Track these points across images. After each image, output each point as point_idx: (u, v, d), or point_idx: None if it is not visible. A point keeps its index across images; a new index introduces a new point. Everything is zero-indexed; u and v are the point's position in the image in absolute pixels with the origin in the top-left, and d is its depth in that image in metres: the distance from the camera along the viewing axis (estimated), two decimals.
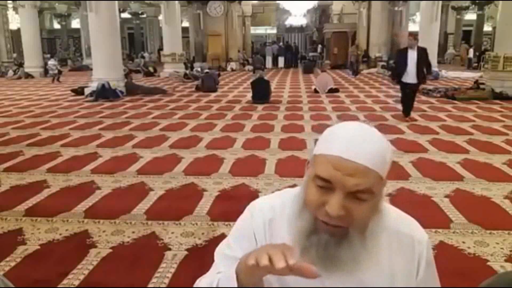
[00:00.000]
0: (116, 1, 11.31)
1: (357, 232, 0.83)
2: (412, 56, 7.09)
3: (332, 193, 0.80)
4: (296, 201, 0.90)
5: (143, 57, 25.47)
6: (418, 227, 0.97)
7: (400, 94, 7.94)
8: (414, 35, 7.50)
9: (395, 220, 0.95)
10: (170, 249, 2.75)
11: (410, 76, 7.21)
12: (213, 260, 1.02)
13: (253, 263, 0.75)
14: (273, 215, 0.96)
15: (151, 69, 19.37)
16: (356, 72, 17.23)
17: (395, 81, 7.97)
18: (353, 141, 0.81)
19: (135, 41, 32.60)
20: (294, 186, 1.01)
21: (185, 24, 24.17)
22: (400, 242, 0.92)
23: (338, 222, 0.81)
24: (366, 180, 0.79)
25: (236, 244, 0.99)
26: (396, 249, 0.91)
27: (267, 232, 0.96)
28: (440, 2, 15.28)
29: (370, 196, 0.81)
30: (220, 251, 1.02)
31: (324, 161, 0.82)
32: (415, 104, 9.14)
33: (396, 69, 7.67)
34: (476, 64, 20.89)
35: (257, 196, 3.87)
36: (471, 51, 22.89)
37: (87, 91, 10.89)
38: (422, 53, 7.14)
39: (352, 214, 0.81)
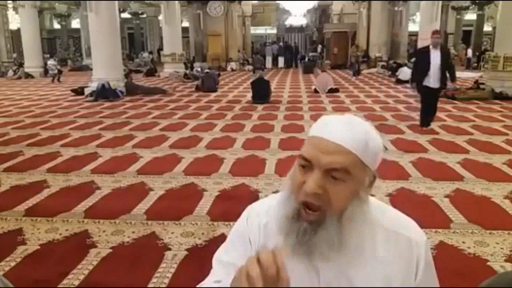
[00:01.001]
0: (116, 1, 11.32)
1: (334, 217, 0.85)
2: (435, 56, 6.28)
3: (311, 172, 0.84)
4: (283, 190, 0.92)
5: (151, 52, 25.54)
6: (417, 228, 0.97)
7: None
8: (438, 32, 6.73)
9: (393, 221, 0.95)
10: (170, 249, 2.75)
11: (433, 79, 6.32)
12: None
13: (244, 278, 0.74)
14: (268, 218, 0.97)
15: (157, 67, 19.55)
16: (357, 73, 17.00)
17: (415, 86, 6.88)
18: (337, 125, 0.86)
19: (135, 41, 32.59)
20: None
21: (185, 24, 24.17)
22: (398, 243, 0.92)
23: (316, 200, 0.83)
24: (341, 158, 0.82)
25: (232, 249, 1.00)
26: (392, 250, 0.91)
27: (261, 236, 0.96)
28: (440, 2, 15.25)
29: (346, 177, 0.83)
30: (217, 257, 1.03)
31: (308, 142, 0.87)
32: (415, 105, 9.17)
33: (416, 71, 6.61)
34: (476, 64, 20.90)
35: (257, 196, 3.89)
36: (470, 51, 22.90)
37: (87, 91, 10.89)
38: (445, 54, 6.46)
39: (329, 193, 0.83)
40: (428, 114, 6.58)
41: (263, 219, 0.98)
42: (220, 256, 1.02)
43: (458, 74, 16.95)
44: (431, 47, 6.33)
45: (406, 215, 0.99)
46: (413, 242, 0.93)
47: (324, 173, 0.82)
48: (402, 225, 0.95)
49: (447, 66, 6.37)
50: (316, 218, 0.85)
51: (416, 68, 6.73)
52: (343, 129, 0.84)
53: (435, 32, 6.54)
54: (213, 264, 1.03)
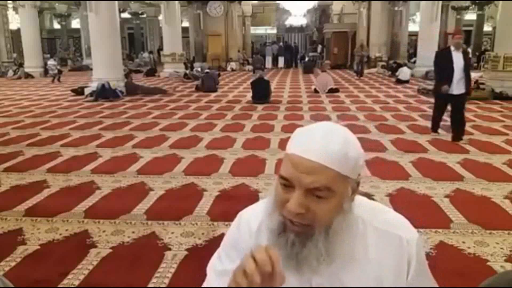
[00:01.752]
0: (116, 1, 11.31)
1: (321, 231, 0.85)
2: (458, 59, 5.55)
3: (292, 191, 0.83)
4: (268, 203, 0.92)
5: (151, 52, 25.54)
6: (408, 227, 0.96)
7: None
8: (461, 32, 6.06)
9: (384, 220, 0.94)
10: (170, 249, 2.75)
11: (457, 85, 5.59)
12: None
13: (238, 276, 0.75)
14: (259, 224, 0.97)
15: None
16: (360, 74, 16.25)
17: (436, 93, 6.08)
18: (313, 140, 0.83)
19: (135, 41, 32.58)
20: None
21: (185, 24, 24.16)
22: (389, 243, 0.91)
23: (300, 219, 0.83)
24: (322, 177, 0.81)
25: (225, 257, 1.01)
26: (384, 250, 0.91)
27: (253, 242, 0.95)
28: (440, 2, 15.29)
29: (329, 194, 0.82)
30: (211, 266, 1.04)
31: (286, 160, 0.86)
32: (415, 105, 9.20)
33: (441, 78, 5.75)
34: (476, 64, 20.91)
35: (257, 196, 3.89)
36: (469, 50, 22.89)
37: (87, 91, 10.89)
38: (467, 56, 5.76)
39: (313, 212, 0.83)
40: (454, 127, 5.80)
41: (254, 225, 0.98)
42: (214, 265, 1.03)
43: None
44: (452, 49, 5.60)
45: (402, 215, 0.99)
46: (404, 240, 0.92)
47: (305, 192, 0.82)
48: (393, 224, 0.95)
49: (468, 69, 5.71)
50: (303, 230, 0.85)
51: (439, 74, 5.84)
52: (319, 145, 0.82)
53: (457, 32, 5.94)
54: (207, 273, 1.03)
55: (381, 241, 0.91)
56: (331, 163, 0.81)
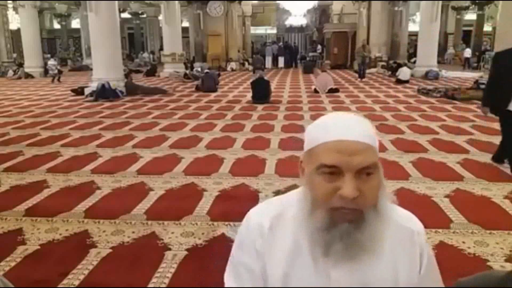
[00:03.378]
0: (116, 1, 11.31)
1: (371, 210, 0.85)
2: None
3: (341, 177, 0.82)
4: (303, 203, 0.89)
5: (152, 52, 25.55)
6: (416, 220, 0.99)
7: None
8: None
9: (394, 214, 0.96)
10: (170, 249, 2.75)
11: None
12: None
13: None
14: (272, 223, 0.95)
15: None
16: (362, 75, 15.19)
17: (488, 110, 4.46)
18: (346, 123, 0.86)
19: (135, 41, 32.60)
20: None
21: (185, 24, 24.17)
22: (401, 234, 0.94)
23: (354, 204, 0.82)
24: (369, 155, 0.83)
25: (244, 257, 0.98)
26: (397, 242, 0.92)
27: (266, 242, 0.94)
28: (440, 2, 15.27)
29: (375, 170, 0.85)
30: (231, 275, 1.00)
31: (324, 149, 0.84)
32: (415, 105, 9.19)
33: (496, 88, 4.26)
34: (476, 64, 20.91)
35: (257, 196, 3.88)
36: (468, 50, 22.94)
37: (87, 91, 10.89)
38: None
39: (365, 193, 0.83)
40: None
41: (266, 224, 0.95)
42: (236, 274, 0.99)
43: (458, 74, 17.11)
44: None
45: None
46: (415, 233, 0.95)
47: (356, 174, 0.82)
48: (403, 217, 0.98)
49: None
50: (354, 216, 0.84)
51: (494, 84, 4.32)
52: (355, 127, 0.85)
53: None
54: (228, 284, 1.00)
55: (394, 234, 0.92)
56: (370, 140, 0.85)
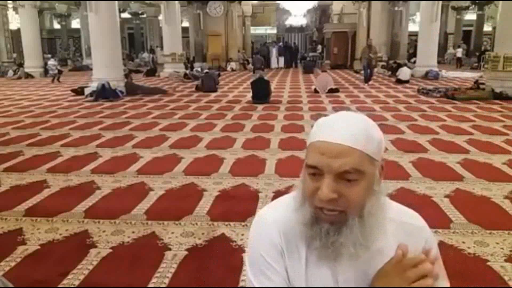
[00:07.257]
0: (116, 1, 11.31)
1: (355, 215, 0.84)
2: None
3: (322, 179, 0.82)
4: (296, 197, 0.91)
5: (153, 52, 25.52)
6: (418, 216, 1.00)
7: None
8: None
9: (398, 212, 0.96)
10: (170, 249, 2.75)
11: None
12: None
13: None
14: (285, 227, 0.94)
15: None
16: (368, 79, 13.75)
17: None
18: (336, 125, 0.85)
19: (135, 41, 32.59)
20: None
21: (185, 24, 24.17)
22: (406, 231, 0.93)
23: (333, 206, 0.83)
24: (350, 159, 0.81)
25: (270, 260, 0.93)
26: (402, 239, 0.91)
27: (283, 243, 0.94)
28: (440, 2, 15.27)
29: (359, 176, 0.82)
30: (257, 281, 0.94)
31: (311, 149, 0.85)
32: (415, 105, 9.20)
33: None
34: (476, 64, 20.92)
35: (257, 196, 3.87)
36: (460, 50, 23.04)
37: (87, 91, 10.88)
38: None
39: (345, 196, 0.82)
40: None
41: (281, 228, 0.94)
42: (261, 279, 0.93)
43: (458, 74, 17.10)
44: None
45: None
46: (420, 228, 0.96)
47: (336, 177, 0.81)
48: (406, 215, 0.98)
49: None
50: (337, 218, 0.84)
51: None
52: (343, 128, 0.84)
53: None
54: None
55: (399, 232, 0.92)
56: (356, 144, 0.82)
